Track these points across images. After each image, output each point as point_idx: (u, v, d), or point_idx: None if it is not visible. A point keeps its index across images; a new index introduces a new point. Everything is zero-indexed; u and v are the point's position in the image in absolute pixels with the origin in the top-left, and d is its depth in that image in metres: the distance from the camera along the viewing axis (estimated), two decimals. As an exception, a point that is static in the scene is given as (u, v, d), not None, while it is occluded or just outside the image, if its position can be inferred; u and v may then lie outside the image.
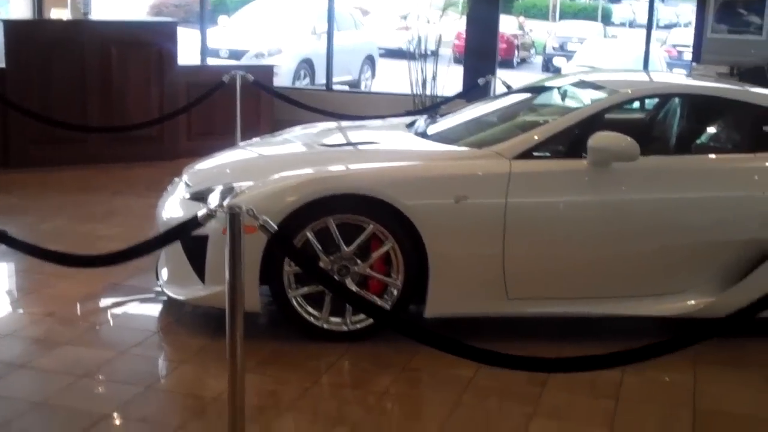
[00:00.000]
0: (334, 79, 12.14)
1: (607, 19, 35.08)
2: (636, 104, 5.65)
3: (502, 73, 10.91)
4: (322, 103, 9.34)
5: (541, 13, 36.07)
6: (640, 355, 3.47)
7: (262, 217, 3.44)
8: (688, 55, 22.42)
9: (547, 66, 24.30)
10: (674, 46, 22.44)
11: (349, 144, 5.15)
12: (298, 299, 4.56)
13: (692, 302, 4.72)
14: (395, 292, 4.59)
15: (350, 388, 4.30)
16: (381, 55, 18.36)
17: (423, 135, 5.28)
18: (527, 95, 5.88)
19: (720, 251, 4.71)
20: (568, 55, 20.39)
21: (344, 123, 6.21)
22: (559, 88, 5.69)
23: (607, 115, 4.98)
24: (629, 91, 5.09)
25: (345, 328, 4.59)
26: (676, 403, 4.16)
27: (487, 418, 4.01)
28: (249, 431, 3.54)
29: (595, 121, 4.84)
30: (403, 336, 3.60)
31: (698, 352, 4.64)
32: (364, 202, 4.47)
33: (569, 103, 5.53)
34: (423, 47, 10.24)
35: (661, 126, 5.34)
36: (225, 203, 3.50)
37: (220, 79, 8.30)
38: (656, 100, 5.43)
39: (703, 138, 5.23)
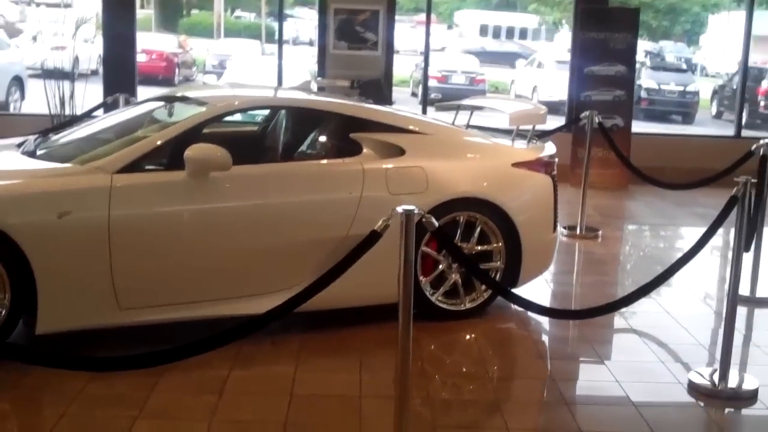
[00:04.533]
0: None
1: (271, 37, 35.96)
2: (237, 117, 5.97)
3: (157, 91, 10.99)
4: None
5: (207, 31, 36.30)
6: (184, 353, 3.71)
7: None
8: (457, 79, 24.08)
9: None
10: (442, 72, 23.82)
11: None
12: None
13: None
14: (3, 312, 4.59)
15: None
16: (31, 76, 17.66)
17: (31, 154, 5.28)
18: (140, 111, 6.05)
19: (318, 248, 5.15)
20: (220, 73, 20.82)
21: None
22: (166, 104, 5.91)
23: (207, 129, 5.29)
24: (223, 105, 5.41)
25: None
26: (276, 392, 4.52)
27: (93, 425, 4.13)
28: None
29: (193, 134, 5.12)
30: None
31: (302, 345, 5.10)
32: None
33: (174, 118, 5.77)
34: (72, 66, 10.13)
35: (257, 137, 5.74)
36: None
37: None
38: (258, 113, 5.82)
39: (296, 146, 5.69)
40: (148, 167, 4.95)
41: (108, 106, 8.74)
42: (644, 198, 10.28)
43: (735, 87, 25.34)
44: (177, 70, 25.44)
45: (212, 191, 4.95)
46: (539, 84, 26.23)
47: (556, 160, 5.95)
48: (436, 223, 3.96)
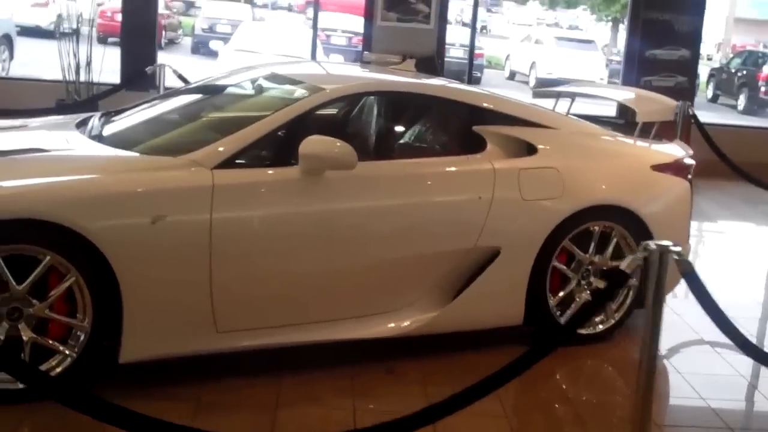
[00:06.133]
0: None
1: (250, 1, 34.81)
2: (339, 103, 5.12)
3: (167, 57, 10.08)
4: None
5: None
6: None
7: None
8: (337, 39, 22.81)
9: (198, 48, 23.51)
10: (324, 30, 22.53)
11: (9, 152, 4.19)
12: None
13: (413, 319, 4.40)
14: (83, 336, 3.78)
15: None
16: (18, 34, 16.58)
17: (99, 138, 4.44)
18: (215, 89, 5.22)
19: (440, 261, 4.42)
20: (221, 38, 19.75)
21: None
22: (253, 83, 5.08)
23: (315, 116, 4.47)
24: (338, 87, 4.58)
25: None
26: None
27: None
28: None
29: (303, 122, 4.31)
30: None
31: (425, 375, 4.36)
32: (36, 228, 3.61)
33: (266, 100, 4.96)
34: (70, 26, 9.12)
35: (371, 127, 4.90)
36: None
37: None
38: (366, 98, 4.95)
39: (411, 139, 4.89)
40: (247, 162, 4.13)
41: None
42: (707, 192, 9.57)
43: (733, 70, 25.03)
44: (163, 33, 24.34)
45: (328, 192, 4.15)
46: (537, 60, 25.56)
47: (694, 162, 5.21)
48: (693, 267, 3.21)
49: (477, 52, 25.57)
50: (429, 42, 9.17)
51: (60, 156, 4.21)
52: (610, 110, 9.74)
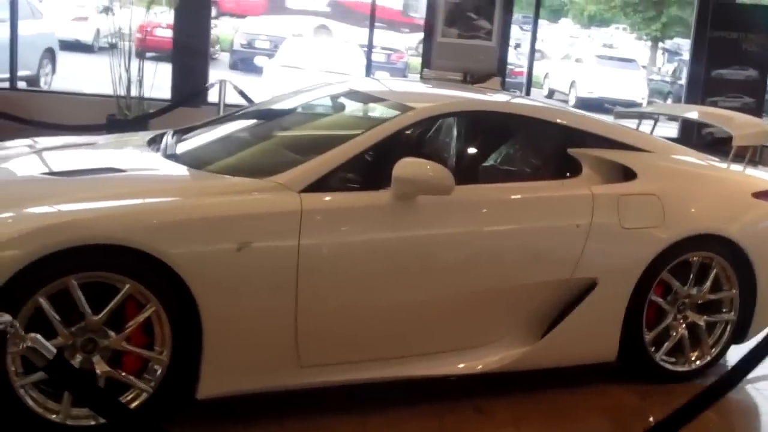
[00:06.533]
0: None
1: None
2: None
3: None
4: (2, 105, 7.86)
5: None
6: None
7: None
8: (377, 56, 22.54)
9: (237, 64, 23.35)
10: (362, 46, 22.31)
11: (84, 171, 3.96)
12: (29, 389, 3.36)
13: (503, 355, 4.13)
14: (159, 370, 3.53)
15: None
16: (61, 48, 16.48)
17: (174, 157, 4.21)
18: (290, 107, 4.98)
19: (534, 293, 4.14)
20: (261, 53, 19.57)
21: (60, 140, 4.88)
22: (333, 100, 4.84)
23: (403, 137, 4.21)
24: (429, 106, 4.31)
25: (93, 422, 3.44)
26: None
27: None
28: None
29: (391, 143, 4.05)
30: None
31: (516, 415, 4.07)
32: (117, 254, 3.37)
33: (348, 119, 4.72)
34: (116, 41, 8.90)
35: (464, 149, 4.63)
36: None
37: None
38: (454, 119, 4.65)
39: (509, 162, 4.62)
40: (335, 185, 3.87)
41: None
42: None
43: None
44: (202, 48, 24.25)
45: (420, 219, 3.89)
46: (578, 79, 25.20)
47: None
48: None
49: (517, 70, 25.41)
50: (491, 59, 8.90)
51: (139, 176, 3.99)
52: (669, 131, 9.43)
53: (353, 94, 4.82)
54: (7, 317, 2.57)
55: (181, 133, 4.67)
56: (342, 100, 4.84)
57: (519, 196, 4.18)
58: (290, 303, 3.63)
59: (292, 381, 3.75)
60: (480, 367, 4.08)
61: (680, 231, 4.36)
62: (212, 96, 9.07)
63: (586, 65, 25.57)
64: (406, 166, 3.75)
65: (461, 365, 4.05)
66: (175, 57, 9.75)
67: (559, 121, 4.50)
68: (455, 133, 4.61)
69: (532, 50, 10.85)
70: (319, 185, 3.78)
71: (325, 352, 3.80)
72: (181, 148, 4.39)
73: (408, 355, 3.98)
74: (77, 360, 3.43)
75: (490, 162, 4.55)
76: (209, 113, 7.58)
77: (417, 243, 3.88)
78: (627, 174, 4.43)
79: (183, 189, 3.78)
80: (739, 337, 4.68)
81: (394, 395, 4.03)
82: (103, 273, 3.39)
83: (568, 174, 4.36)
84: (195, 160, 4.16)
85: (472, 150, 4.53)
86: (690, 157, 4.82)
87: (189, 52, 9.49)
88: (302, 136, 4.63)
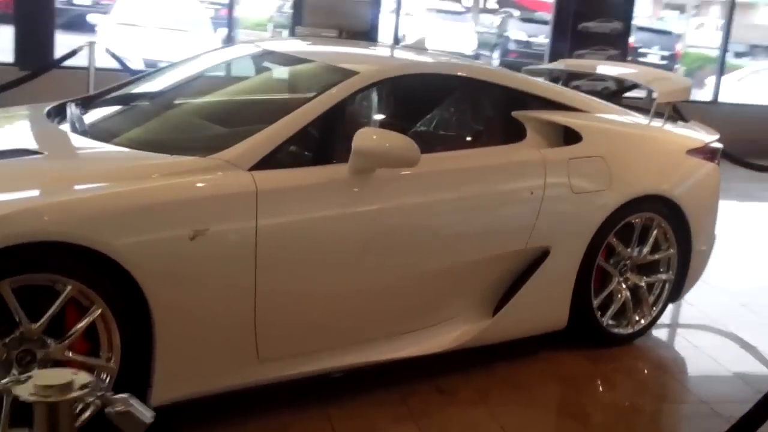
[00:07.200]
0: None
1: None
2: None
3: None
4: None
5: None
6: None
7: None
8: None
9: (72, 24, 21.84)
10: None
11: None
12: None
13: (461, 331, 3.94)
14: (108, 379, 3.11)
15: None
16: None
17: (88, 133, 3.70)
18: (202, 72, 4.52)
19: (491, 266, 3.95)
20: (100, 9, 18.29)
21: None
22: (255, 62, 4.43)
23: (349, 105, 3.86)
24: (377, 69, 3.93)
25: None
26: None
27: None
28: None
29: (340, 112, 3.71)
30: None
31: (480, 390, 3.89)
32: (53, 251, 2.91)
33: (272, 84, 4.33)
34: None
35: (411, 115, 4.29)
36: None
37: None
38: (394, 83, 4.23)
39: (456, 128, 4.33)
40: (284, 161, 3.48)
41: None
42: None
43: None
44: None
45: (379, 193, 3.59)
46: (407, 33, 25.09)
47: (722, 146, 4.90)
48: None
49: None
50: (364, 15, 8.56)
51: (61, 158, 3.48)
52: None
53: (269, 55, 4.43)
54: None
55: (86, 103, 4.15)
56: (261, 62, 4.44)
57: (474, 164, 3.93)
58: (249, 292, 3.27)
59: (252, 378, 3.40)
60: (442, 345, 3.86)
61: (626, 193, 4.26)
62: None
63: (415, 18, 25.51)
64: (367, 138, 3.42)
65: (425, 345, 3.82)
66: (18, 17, 8.87)
67: (502, 82, 4.25)
68: (398, 98, 4.29)
69: (398, 6, 10.61)
70: (269, 161, 3.39)
71: (285, 344, 3.46)
72: (92, 121, 3.89)
73: (367, 340, 3.70)
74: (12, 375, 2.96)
75: (438, 129, 4.26)
76: (66, 79, 6.94)
77: (377, 219, 3.58)
78: (568, 136, 4.27)
79: (118, 171, 3.28)
80: (674, 295, 4.67)
81: (352, 383, 3.74)
82: (40, 274, 2.92)
83: (512, 138, 4.15)
84: (114, 136, 3.67)
85: (418, 116, 4.23)
86: (625, 117, 4.71)
87: (31, 14, 8.65)
88: (227, 103, 4.20)
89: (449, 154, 3.95)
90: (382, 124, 3.76)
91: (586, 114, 4.42)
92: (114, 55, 7.09)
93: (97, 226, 2.96)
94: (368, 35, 8.46)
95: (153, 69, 4.95)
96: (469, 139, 4.30)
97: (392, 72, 3.97)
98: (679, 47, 23.77)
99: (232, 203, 3.24)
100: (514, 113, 4.19)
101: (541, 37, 24.71)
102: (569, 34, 9.76)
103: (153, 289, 3.06)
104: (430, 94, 4.24)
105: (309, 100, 3.64)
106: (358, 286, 3.59)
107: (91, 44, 6.70)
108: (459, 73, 4.27)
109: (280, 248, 3.33)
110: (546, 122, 4.22)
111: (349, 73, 3.80)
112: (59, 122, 3.89)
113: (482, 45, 25.47)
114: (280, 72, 4.33)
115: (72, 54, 6.74)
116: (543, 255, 4.07)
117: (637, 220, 4.37)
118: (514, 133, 4.16)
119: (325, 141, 3.63)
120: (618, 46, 9.86)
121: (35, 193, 3.03)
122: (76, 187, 3.10)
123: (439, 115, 4.25)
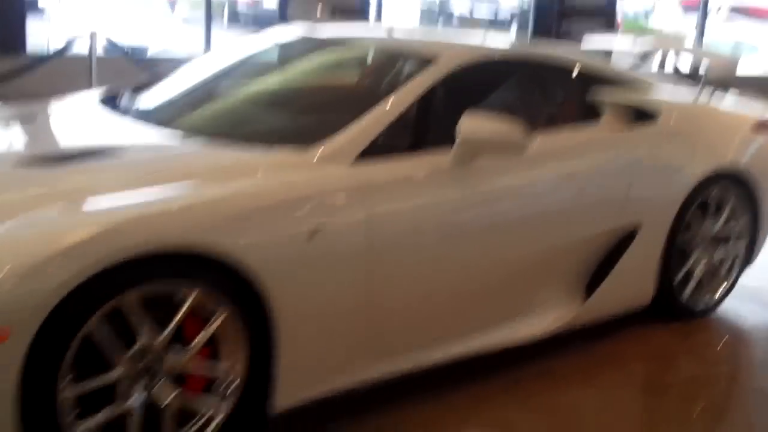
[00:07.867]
0: None
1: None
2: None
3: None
4: None
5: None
6: None
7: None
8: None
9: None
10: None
11: (73, 156, 3.12)
12: (91, 435, 2.65)
13: (555, 316, 3.85)
14: (233, 387, 2.91)
15: None
16: None
17: (165, 124, 3.51)
18: (257, 59, 4.31)
19: (586, 246, 3.87)
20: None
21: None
22: (310, 46, 4.28)
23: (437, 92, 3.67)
24: (460, 53, 3.79)
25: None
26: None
27: None
28: None
29: (431, 100, 3.53)
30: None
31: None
32: (179, 259, 2.69)
33: (338, 71, 4.18)
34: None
35: (500, 100, 4.10)
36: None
37: None
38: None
39: (544, 110, 4.20)
40: (381, 152, 3.29)
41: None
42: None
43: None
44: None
45: (483, 178, 3.45)
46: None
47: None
48: None
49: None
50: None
51: (156, 157, 3.25)
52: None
53: (309, 41, 4.32)
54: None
55: (137, 90, 3.95)
56: (314, 48, 4.28)
57: (571, 143, 3.85)
58: (364, 288, 3.11)
59: (370, 374, 3.25)
60: (540, 330, 3.76)
61: (706, 168, 4.22)
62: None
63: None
64: (475, 124, 3.27)
65: (524, 332, 3.71)
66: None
67: (575, 65, 4.16)
68: (480, 84, 4.11)
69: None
70: (367, 153, 3.23)
71: (399, 338, 3.31)
72: (167, 112, 3.72)
73: (471, 329, 3.57)
74: (140, 398, 2.75)
75: (522, 112, 4.11)
76: (64, 69, 6.62)
77: (483, 204, 3.46)
78: (642, 114, 4.19)
79: (223, 170, 3.08)
80: (748, 260, 4.64)
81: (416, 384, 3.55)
82: (167, 282, 2.70)
83: (592, 118, 4.06)
84: (195, 128, 3.47)
85: (509, 100, 4.08)
86: (689, 91, 4.67)
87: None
88: (300, 91, 4.04)
89: (544, 135, 3.82)
90: (470, 110, 3.58)
91: (656, 91, 4.36)
92: (114, 44, 6.75)
93: (222, 232, 2.75)
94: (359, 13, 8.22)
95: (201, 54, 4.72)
96: (552, 120, 4.17)
97: (476, 58, 3.83)
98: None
99: (343, 198, 3.06)
100: (591, 94, 4.10)
101: (484, 11, 24.83)
102: (556, 9, 9.66)
103: (275, 292, 2.86)
104: (509, 79, 4.11)
105: (398, 87, 3.50)
106: (466, 275, 3.45)
107: (93, 34, 6.36)
108: (536, 58, 4.13)
109: (391, 240, 3.17)
110: (620, 101, 4.13)
111: (427, 60, 3.65)
112: (123, 114, 3.67)
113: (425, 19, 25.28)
114: (334, 56, 4.18)
115: (69, 45, 6.40)
116: (630, 234, 3.99)
117: (713, 194, 4.32)
118: (592, 114, 4.08)
119: (416, 129, 3.46)
120: (604, 19, 9.81)
121: (147, 198, 2.80)
122: (188, 190, 2.88)
123: (521, 99, 4.12)
